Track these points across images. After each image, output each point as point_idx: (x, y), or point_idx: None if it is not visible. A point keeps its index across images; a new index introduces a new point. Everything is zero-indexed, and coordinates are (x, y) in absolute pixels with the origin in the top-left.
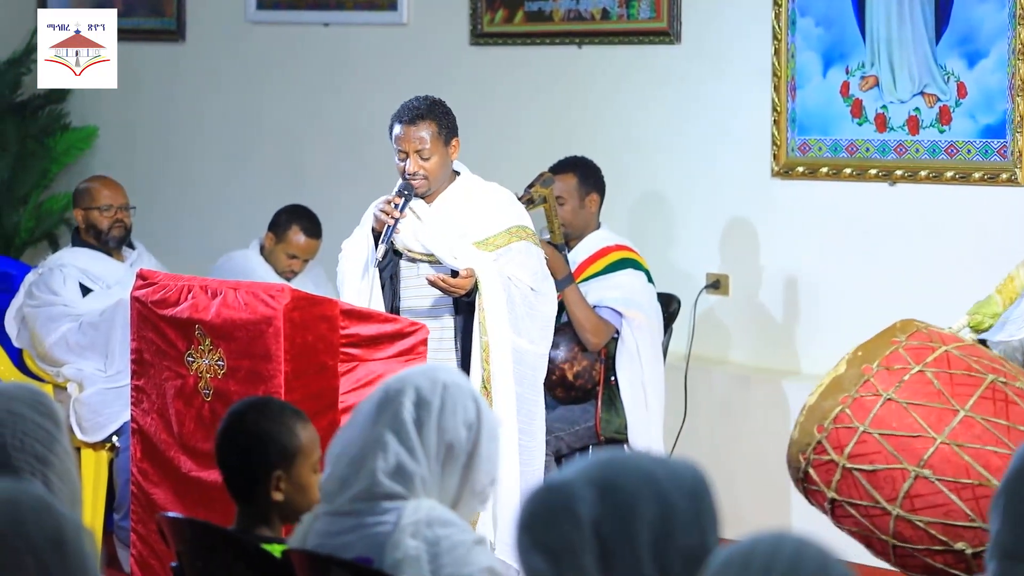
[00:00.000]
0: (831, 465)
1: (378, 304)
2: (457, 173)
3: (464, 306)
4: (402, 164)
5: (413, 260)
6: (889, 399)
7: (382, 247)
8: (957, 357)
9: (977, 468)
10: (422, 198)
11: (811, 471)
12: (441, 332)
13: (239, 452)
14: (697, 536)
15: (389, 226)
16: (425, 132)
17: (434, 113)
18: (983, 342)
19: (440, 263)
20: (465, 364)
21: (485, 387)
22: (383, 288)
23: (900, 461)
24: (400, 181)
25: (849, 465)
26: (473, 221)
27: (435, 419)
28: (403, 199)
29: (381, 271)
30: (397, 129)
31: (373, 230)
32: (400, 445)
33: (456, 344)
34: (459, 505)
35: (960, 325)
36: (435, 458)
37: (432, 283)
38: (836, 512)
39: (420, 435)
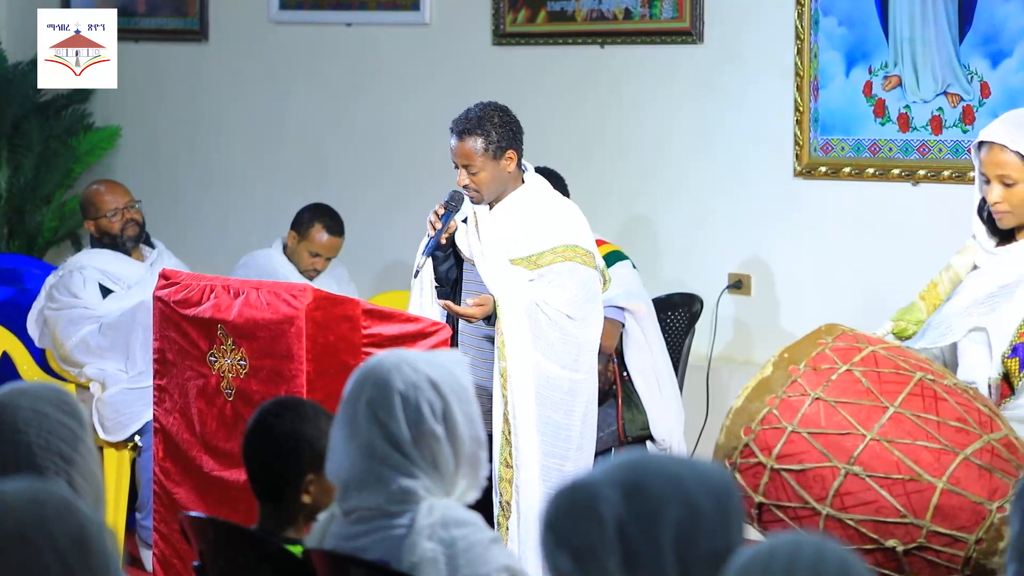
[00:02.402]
0: (759, 468)
1: (429, 306)
2: (524, 180)
3: None
4: (457, 173)
5: (471, 264)
6: (817, 398)
7: (421, 257)
8: (884, 356)
9: (908, 463)
10: (479, 205)
11: (738, 476)
12: (490, 343)
13: (272, 453)
14: (722, 539)
15: (432, 237)
16: (472, 147)
17: (483, 127)
18: None
19: None
20: None
21: (505, 413)
22: (452, 288)
23: (830, 459)
24: (451, 190)
25: (777, 466)
26: (524, 235)
27: (407, 434)
28: (447, 211)
29: (446, 272)
30: (451, 140)
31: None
32: (391, 471)
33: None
34: (458, 477)
35: (884, 331)
36: (425, 459)
37: (444, 307)
38: (763, 517)
39: (401, 452)
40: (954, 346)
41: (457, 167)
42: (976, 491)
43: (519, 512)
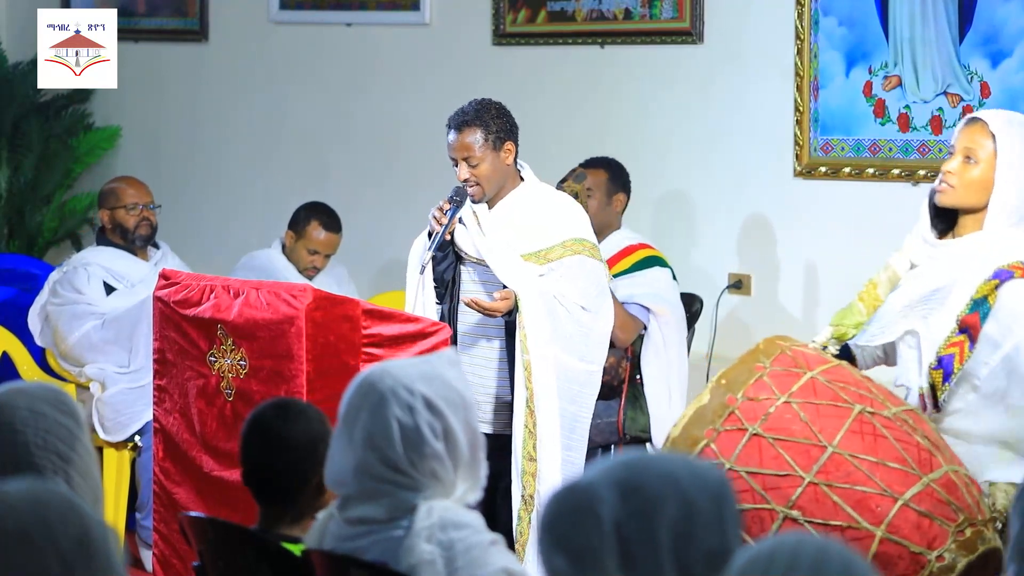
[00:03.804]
0: None
1: (430, 304)
2: (523, 178)
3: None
4: (456, 170)
5: (472, 263)
6: (755, 434)
7: (428, 253)
8: (823, 385)
9: (846, 509)
10: (479, 203)
11: None
12: (490, 342)
13: (291, 457)
14: (719, 538)
15: (437, 232)
16: (472, 139)
17: (481, 119)
18: (847, 349)
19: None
20: (513, 374)
21: (529, 406)
22: (445, 289)
23: (768, 502)
24: (455, 186)
25: None
26: (530, 231)
27: (406, 459)
28: (452, 206)
29: (443, 272)
30: (449, 136)
31: (428, 234)
32: (391, 486)
33: (506, 355)
34: (457, 481)
35: (824, 337)
36: (424, 475)
37: (468, 304)
38: None
39: (401, 472)
40: (895, 343)
41: (456, 163)
42: (915, 540)
43: (539, 507)
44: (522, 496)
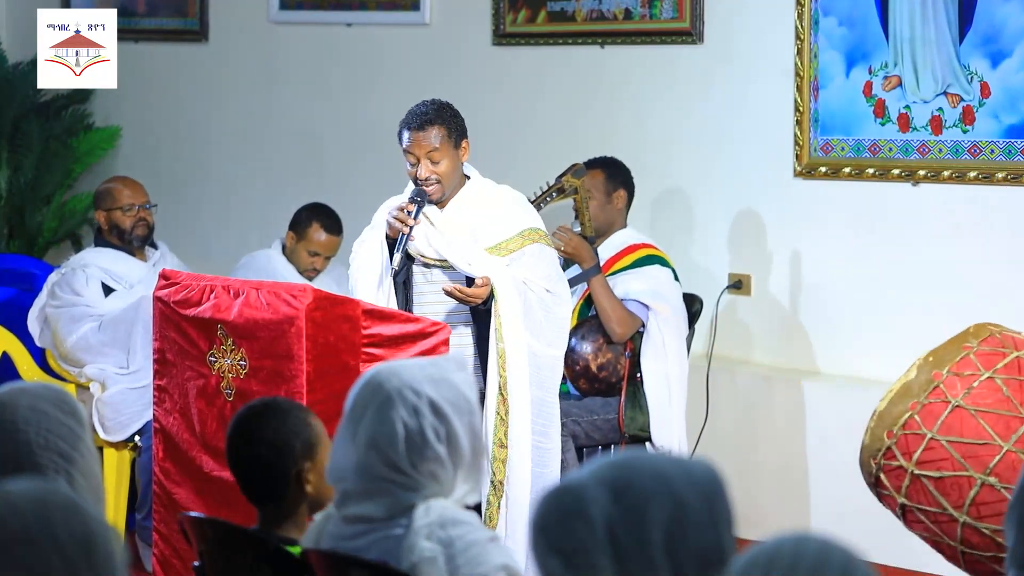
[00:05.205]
0: (900, 471)
1: (393, 307)
2: (468, 177)
3: (481, 313)
4: (413, 170)
5: (426, 266)
6: (958, 406)
7: (397, 256)
8: None
9: None
10: (435, 203)
11: (882, 476)
12: (458, 339)
13: (264, 454)
14: (712, 536)
15: (403, 234)
16: (434, 137)
17: (442, 117)
18: None
19: (453, 269)
20: (484, 370)
21: (502, 394)
22: (396, 294)
23: (967, 468)
24: (412, 187)
25: (917, 472)
26: (486, 225)
27: (408, 461)
28: (416, 206)
29: (395, 275)
30: (406, 136)
31: (387, 237)
32: (392, 485)
33: (475, 350)
34: (457, 482)
35: None
36: (424, 476)
37: (449, 293)
38: (907, 517)
39: (402, 473)
40: None
41: (417, 162)
42: None
43: (507, 492)
44: (491, 482)
